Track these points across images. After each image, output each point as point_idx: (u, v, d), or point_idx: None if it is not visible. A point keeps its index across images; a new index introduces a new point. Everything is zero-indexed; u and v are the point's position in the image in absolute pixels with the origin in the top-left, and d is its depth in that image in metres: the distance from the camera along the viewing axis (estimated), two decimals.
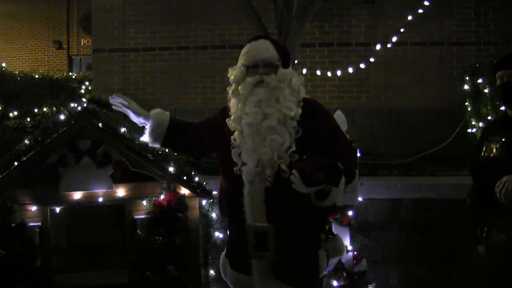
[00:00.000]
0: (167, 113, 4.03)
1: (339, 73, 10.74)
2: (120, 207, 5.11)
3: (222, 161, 3.78)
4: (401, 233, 6.29)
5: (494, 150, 3.92)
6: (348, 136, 5.17)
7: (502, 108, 6.72)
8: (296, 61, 8.50)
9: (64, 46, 22.39)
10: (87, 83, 12.05)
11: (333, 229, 5.17)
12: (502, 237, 3.78)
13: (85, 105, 5.05)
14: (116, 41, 11.52)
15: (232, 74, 3.74)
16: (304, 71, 10.66)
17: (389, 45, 10.61)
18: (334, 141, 3.71)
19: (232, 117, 3.65)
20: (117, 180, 5.04)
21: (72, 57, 22.67)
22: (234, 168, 3.54)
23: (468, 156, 8.20)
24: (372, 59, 10.67)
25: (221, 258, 3.89)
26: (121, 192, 5.04)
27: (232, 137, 3.62)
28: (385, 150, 9.90)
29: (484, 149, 4.01)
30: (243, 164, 3.52)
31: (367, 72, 10.94)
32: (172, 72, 11.24)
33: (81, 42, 22.31)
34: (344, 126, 5.21)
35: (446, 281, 6.24)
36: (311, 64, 10.96)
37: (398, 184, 6.30)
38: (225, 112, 3.80)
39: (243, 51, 3.75)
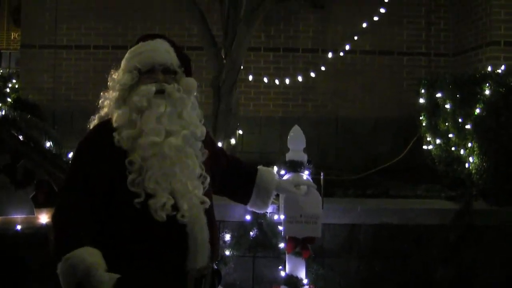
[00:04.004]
0: None
1: (287, 81, 10.24)
2: (42, 236, 4.39)
3: (116, 195, 2.93)
4: (360, 261, 5.80)
5: None
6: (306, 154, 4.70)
7: (468, 126, 6.37)
8: (241, 67, 7.91)
9: None
10: (14, 80, 11.21)
11: (287, 262, 4.66)
12: None
13: (3, 112, 4.32)
14: (47, 37, 10.76)
15: (118, 77, 3.07)
16: (250, 77, 10.15)
17: (341, 54, 10.17)
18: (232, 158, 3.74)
19: (124, 133, 2.92)
20: (39, 203, 4.36)
21: (2, 51, 21.74)
22: (136, 200, 2.83)
23: (421, 171, 8.02)
24: (323, 68, 10.23)
25: None
26: (44, 218, 4.34)
27: (127, 160, 2.89)
28: (333, 162, 9.49)
29: None
30: (150, 195, 2.84)
31: (314, 79, 10.46)
32: (107, 72, 10.34)
33: (11, 35, 21.41)
34: (302, 144, 4.70)
35: None
36: (255, 70, 10.42)
37: (358, 208, 5.81)
38: (107, 128, 3.02)
39: (135, 50, 3.09)
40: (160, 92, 2.98)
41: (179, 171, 2.92)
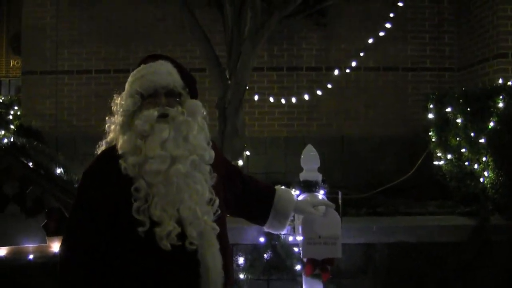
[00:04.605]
0: None
1: (294, 100, 10.14)
2: (55, 266, 4.23)
3: (122, 222, 2.78)
4: (376, 281, 5.70)
5: None
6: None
7: (482, 140, 6.26)
8: (246, 87, 7.81)
9: None
10: (16, 107, 11.11)
11: (304, 284, 4.51)
12: None
13: (11, 139, 4.18)
14: (48, 63, 10.66)
15: (120, 102, 2.92)
16: (256, 97, 10.06)
17: (347, 70, 10.08)
18: (248, 178, 3.48)
19: (129, 160, 2.79)
20: (51, 232, 4.21)
21: (1, 79, 21.69)
22: (139, 229, 2.69)
23: (429, 188, 7.90)
24: (329, 85, 10.11)
25: None
26: (56, 247, 4.18)
27: (133, 187, 2.75)
28: (338, 180, 9.30)
29: None
30: (156, 223, 2.71)
31: (318, 98, 10.34)
32: (109, 97, 10.19)
33: (10, 63, 21.36)
34: (316, 163, 4.57)
35: None
36: (259, 90, 10.32)
37: (373, 227, 5.67)
38: (112, 155, 2.88)
39: (137, 74, 2.94)
40: (163, 116, 2.84)
41: (188, 197, 2.78)
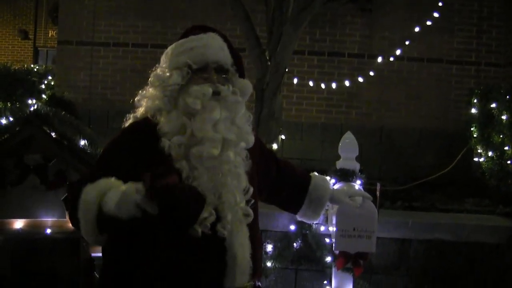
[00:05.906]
0: None
1: (334, 85, 9.89)
2: (74, 242, 4.03)
3: None
4: (409, 280, 5.44)
5: None
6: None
7: None
8: (286, 69, 7.57)
9: (30, 36, 21.54)
10: (49, 77, 10.96)
11: (333, 278, 4.31)
12: None
13: (34, 107, 3.97)
14: (85, 33, 10.48)
15: (165, 74, 2.69)
16: (295, 80, 9.83)
17: (391, 59, 9.80)
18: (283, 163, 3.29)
19: (175, 140, 2.56)
20: None
21: (39, 48, 21.86)
22: None
23: (466, 185, 7.65)
24: (371, 73, 9.85)
25: None
26: None
27: (175, 168, 2.52)
28: (375, 172, 9.12)
29: None
30: None
31: (359, 86, 10.11)
32: (145, 71, 10.02)
33: (49, 33, 21.41)
34: (355, 152, 4.38)
35: None
36: (298, 74, 10.06)
37: (409, 222, 5.41)
38: (145, 130, 2.67)
39: (185, 44, 2.71)
40: (216, 94, 2.62)
41: (230, 182, 2.59)
